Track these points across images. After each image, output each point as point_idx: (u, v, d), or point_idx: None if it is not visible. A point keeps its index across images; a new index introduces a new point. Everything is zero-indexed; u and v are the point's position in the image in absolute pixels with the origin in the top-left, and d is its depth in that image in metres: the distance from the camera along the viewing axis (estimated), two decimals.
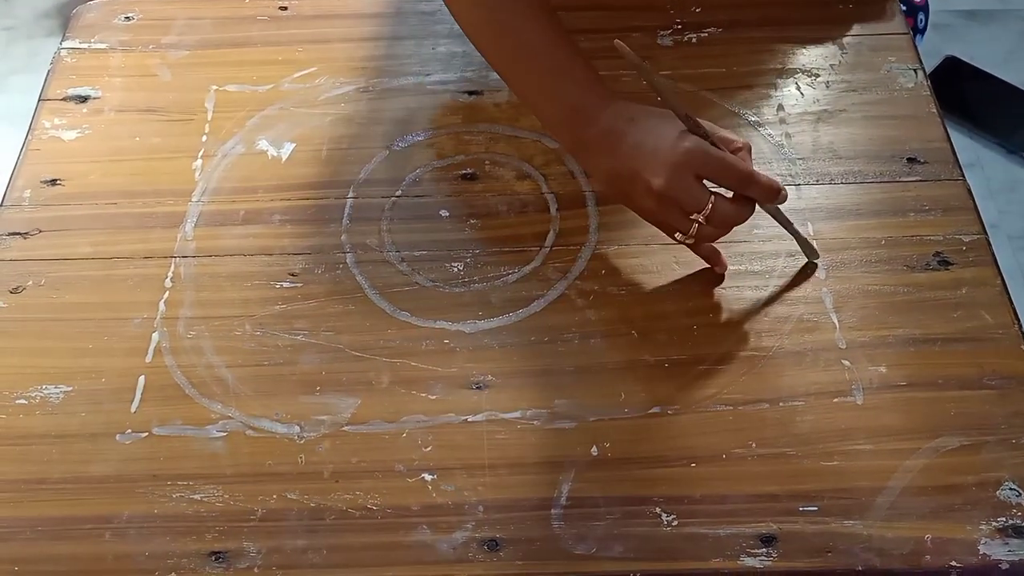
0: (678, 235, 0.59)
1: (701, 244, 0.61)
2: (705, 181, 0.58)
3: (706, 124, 0.59)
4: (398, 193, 0.69)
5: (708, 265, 0.63)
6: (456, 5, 0.67)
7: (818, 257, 0.63)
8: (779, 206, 0.61)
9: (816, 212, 0.67)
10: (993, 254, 0.64)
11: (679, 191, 0.57)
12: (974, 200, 0.67)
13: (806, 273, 0.63)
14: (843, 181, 0.68)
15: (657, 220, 0.60)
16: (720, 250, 0.62)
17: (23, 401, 0.59)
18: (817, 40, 0.77)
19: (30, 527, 0.55)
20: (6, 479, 0.56)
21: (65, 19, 0.83)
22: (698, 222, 0.57)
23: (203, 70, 0.76)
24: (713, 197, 0.57)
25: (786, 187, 0.66)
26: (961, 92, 1.50)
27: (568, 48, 0.61)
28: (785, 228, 0.62)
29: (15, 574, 0.53)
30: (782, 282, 0.63)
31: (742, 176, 0.57)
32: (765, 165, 0.69)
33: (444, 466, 0.56)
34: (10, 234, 0.67)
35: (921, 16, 0.88)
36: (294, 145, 0.72)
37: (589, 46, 0.76)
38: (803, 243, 0.63)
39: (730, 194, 0.59)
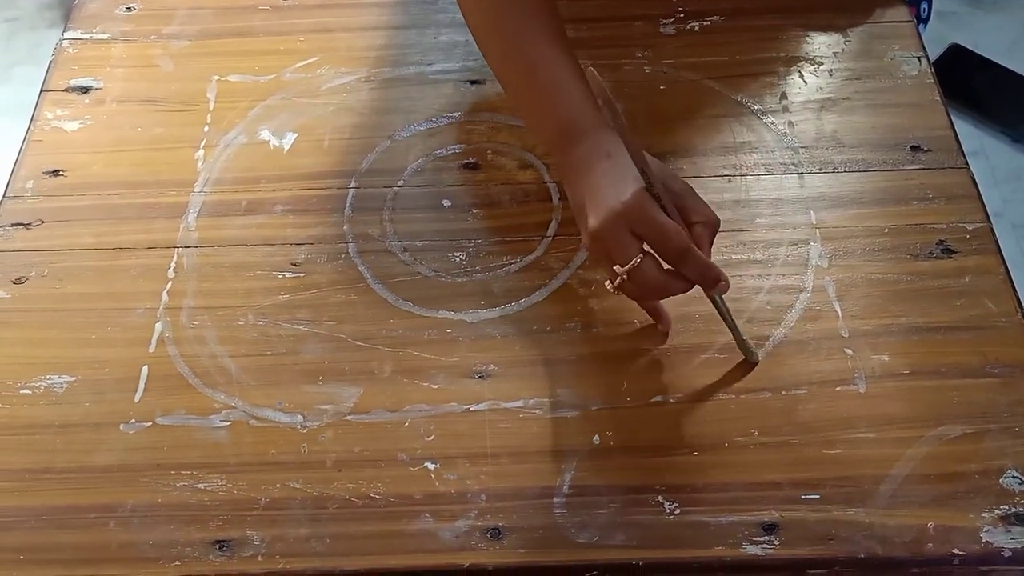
0: (608, 283, 0.57)
1: (640, 300, 0.59)
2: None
3: (678, 186, 0.57)
4: (400, 183, 0.69)
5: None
6: (467, 5, 0.67)
7: (757, 360, 0.59)
8: (719, 298, 0.57)
9: (819, 200, 0.67)
10: (996, 242, 0.64)
11: (609, 239, 0.55)
12: (978, 188, 0.67)
13: (747, 364, 0.59)
14: (846, 169, 0.68)
15: (594, 260, 0.60)
16: (664, 311, 0.60)
17: (27, 391, 0.60)
18: (820, 28, 0.77)
19: (35, 516, 0.55)
20: (11, 469, 0.57)
21: (67, 10, 0.83)
22: (621, 276, 0.55)
23: (205, 60, 0.76)
24: (640, 258, 0.55)
25: (789, 176, 0.65)
26: (966, 80, 1.50)
27: (569, 67, 0.60)
28: (724, 321, 0.58)
29: (20, 562, 0.53)
30: (785, 271, 0.63)
31: (675, 250, 0.55)
32: (768, 154, 0.69)
33: (447, 455, 0.56)
34: (13, 225, 0.67)
35: (924, 5, 0.88)
36: (296, 135, 0.72)
37: (592, 35, 0.76)
38: (741, 342, 0.58)
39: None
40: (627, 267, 0.55)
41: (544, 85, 0.53)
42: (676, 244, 0.55)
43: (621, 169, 0.55)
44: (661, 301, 0.60)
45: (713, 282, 0.56)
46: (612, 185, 0.55)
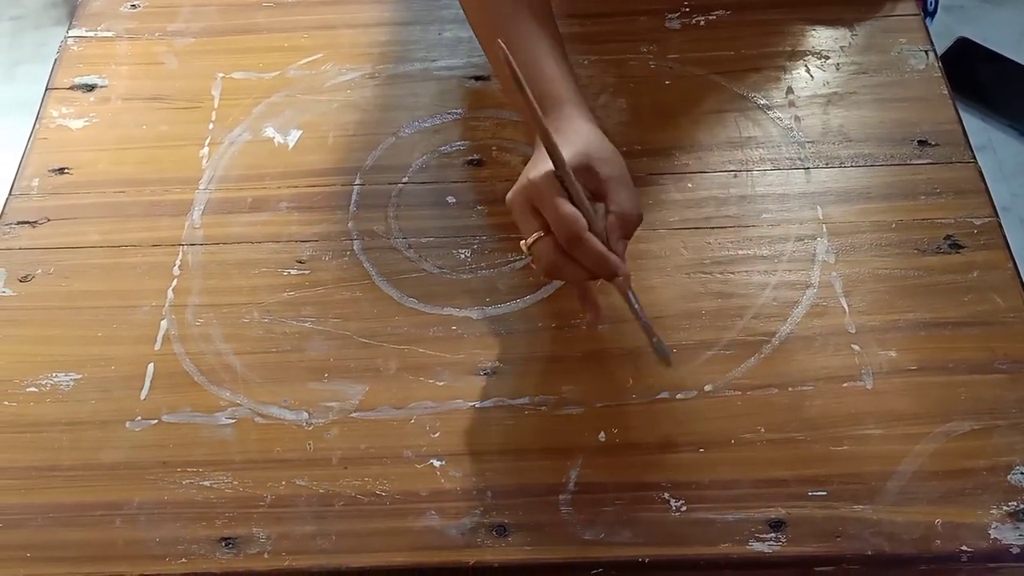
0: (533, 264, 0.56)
1: (548, 277, 0.58)
2: None
3: (607, 172, 0.55)
4: (405, 180, 0.69)
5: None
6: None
7: (670, 361, 0.57)
8: (631, 294, 0.56)
9: (826, 195, 0.66)
10: (1005, 237, 0.64)
11: (514, 212, 0.56)
12: (985, 183, 0.67)
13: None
14: (853, 164, 0.68)
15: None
16: (593, 300, 0.58)
17: (33, 389, 0.60)
18: (827, 22, 0.76)
19: (41, 514, 0.55)
20: (18, 466, 0.57)
21: (72, 8, 0.83)
22: (522, 249, 0.55)
23: (209, 57, 0.76)
24: (538, 235, 0.54)
25: (795, 171, 0.65)
26: (973, 74, 1.49)
27: (547, 46, 0.61)
28: (635, 317, 0.56)
29: (27, 560, 0.54)
30: (791, 267, 0.63)
31: (565, 235, 0.53)
32: (774, 149, 0.69)
33: (452, 452, 0.56)
34: (19, 223, 0.67)
35: None
36: (300, 132, 0.72)
37: (597, 30, 0.76)
38: (655, 343, 0.57)
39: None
40: (526, 241, 0.55)
41: (522, 63, 0.54)
42: (567, 230, 0.53)
43: (558, 144, 0.55)
44: (592, 290, 0.58)
45: (609, 274, 0.55)
46: (533, 162, 0.56)
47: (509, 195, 0.56)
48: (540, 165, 0.55)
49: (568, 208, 0.54)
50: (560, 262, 0.55)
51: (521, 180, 0.56)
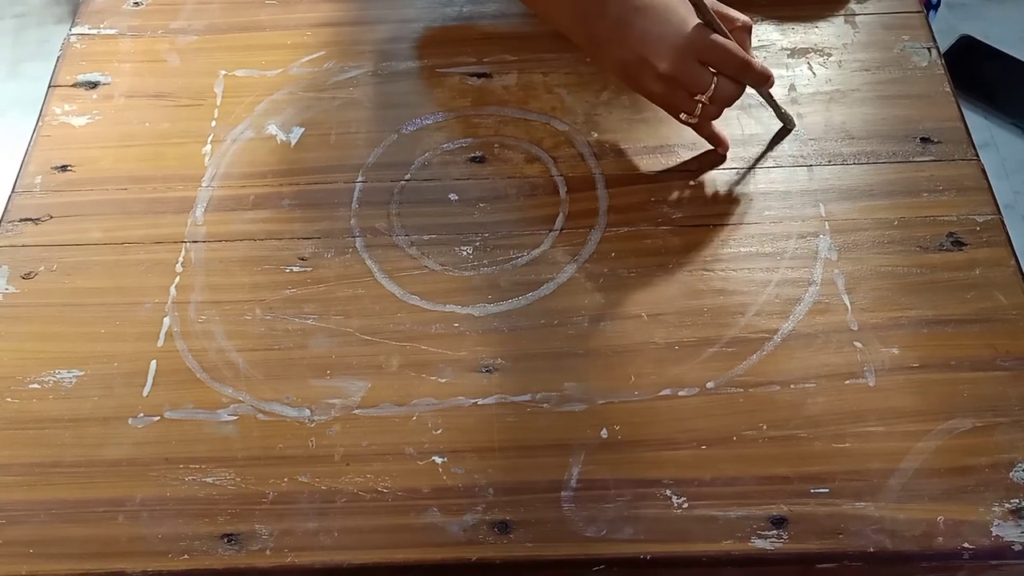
0: (683, 116, 0.64)
1: (704, 125, 0.66)
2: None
3: (711, 3, 0.61)
4: (407, 177, 0.69)
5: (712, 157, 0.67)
6: None
7: (794, 125, 0.68)
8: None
9: (828, 193, 0.66)
10: (1007, 234, 0.64)
11: (684, 74, 0.61)
12: (988, 180, 0.66)
13: (781, 135, 0.68)
14: (856, 162, 0.68)
15: (665, 103, 0.64)
16: (723, 133, 0.67)
17: (36, 385, 0.60)
18: (829, 19, 0.76)
19: (44, 510, 0.55)
20: (20, 463, 0.57)
21: (75, 5, 0.83)
22: (702, 103, 0.62)
23: (212, 55, 0.76)
24: (716, 79, 0.61)
25: (798, 169, 0.66)
26: (976, 71, 1.49)
27: None
28: (766, 101, 0.68)
29: (30, 556, 0.54)
30: (793, 264, 0.63)
31: (740, 64, 0.62)
32: (777, 146, 0.69)
33: (454, 449, 0.56)
34: (22, 220, 0.68)
35: None
36: (303, 129, 0.72)
37: None
38: (781, 112, 0.68)
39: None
40: (708, 92, 0.61)
41: None
42: (739, 58, 0.61)
43: (664, 12, 0.61)
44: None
45: (767, 80, 0.64)
46: (664, 28, 0.61)
47: (668, 67, 0.61)
48: (677, 26, 0.60)
49: (730, 42, 0.61)
50: (736, 88, 0.63)
51: (672, 47, 0.60)
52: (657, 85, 0.63)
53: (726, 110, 0.65)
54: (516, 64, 0.74)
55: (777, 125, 0.69)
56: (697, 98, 0.62)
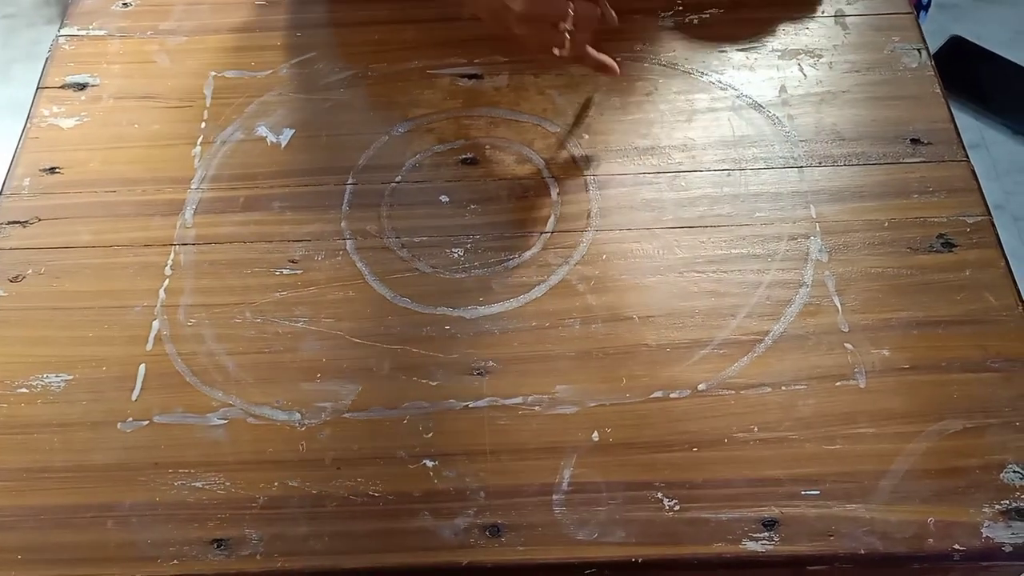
0: (556, 51, 0.63)
1: (584, 55, 0.65)
2: None
3: None
4: (398, 179, 0.69)
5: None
6: None
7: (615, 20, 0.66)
8: None
9: (819, 194, 0.66)
10: (997, 235, 0.64)
11: (538, 7, 0.62)
12: (978, 181, 0.67)
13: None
14: (846, 163, 0.68)
15: (535, 43, 0.65)
16: (612, 62, 0.67)
17: (24, 390, 0.59)
18: (819, 20, 0.76)
19: (33, 516, 0.55)
20: (8, 468, 0.57)
21: (65, 6, 0.83)
22: (567, 29, 0.62)
23: (201, 56, 0.76)
24: (571, 4, 0.62)
25: (788, 170, 0.66)
26: (967, 72, 1.49)
27: None
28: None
29: (19, 562, 0.53)
30: (784, 265, 0.63)
31: None
32: (767, 148, 0.69)
33: (445, 452, 0.56)
34: (10, 223, 0.67)
35: None
36: (293, 131, 0.72)
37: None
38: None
39: None
40: (568, 18, 0.62)
41: None
42: None
43: None
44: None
45: None
46: None
47: (522, 5, 0.62)
48: None
49: None
50: (592, 7, 0.63)
51: None
52: (521, 27, 0.64)
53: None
54: (507, 65, 0.74)
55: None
56: (561, 27, 0.62)
